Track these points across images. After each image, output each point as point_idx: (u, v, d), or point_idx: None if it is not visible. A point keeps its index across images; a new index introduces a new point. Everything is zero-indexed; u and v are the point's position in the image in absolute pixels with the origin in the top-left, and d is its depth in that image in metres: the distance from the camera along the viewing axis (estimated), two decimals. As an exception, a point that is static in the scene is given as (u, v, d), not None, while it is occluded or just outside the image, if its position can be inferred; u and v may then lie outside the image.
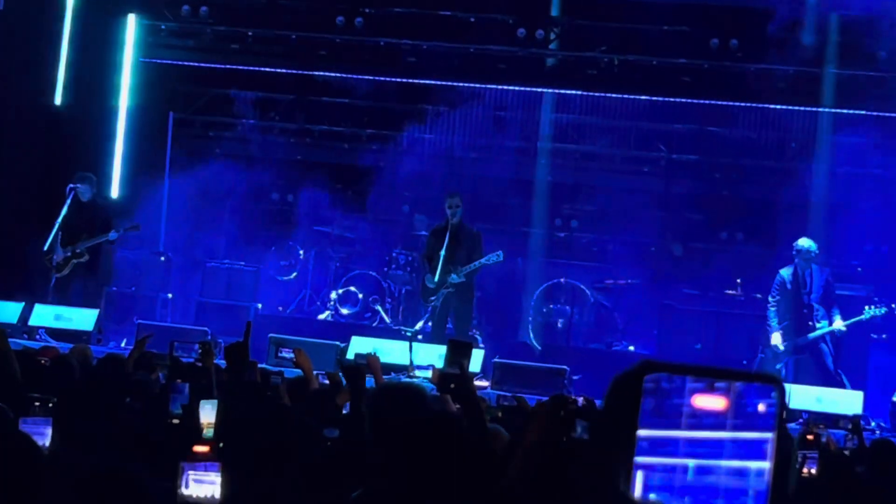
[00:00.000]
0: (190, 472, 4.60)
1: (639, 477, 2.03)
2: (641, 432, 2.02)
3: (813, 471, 7.01)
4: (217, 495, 4.53)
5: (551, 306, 18.01)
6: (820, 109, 17.43)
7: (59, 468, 4.44)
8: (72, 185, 15.77)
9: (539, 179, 19.09)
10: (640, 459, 2.03)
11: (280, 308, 18.80)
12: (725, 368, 2.05)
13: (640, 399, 2.02)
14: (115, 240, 15.92)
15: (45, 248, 15.66)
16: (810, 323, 15.08)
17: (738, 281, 18.01)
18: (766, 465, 2.03)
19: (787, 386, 13.05)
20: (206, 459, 4.57)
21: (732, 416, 2.02)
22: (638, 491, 2.04)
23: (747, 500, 2.02)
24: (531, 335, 17.77)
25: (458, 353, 6.40)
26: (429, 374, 12.29)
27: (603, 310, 18.08)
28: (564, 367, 14.44)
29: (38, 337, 14.81)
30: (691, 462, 2.03)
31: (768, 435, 2.03)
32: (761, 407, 2.02)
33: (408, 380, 12.69)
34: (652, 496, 2.04)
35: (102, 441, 5.43)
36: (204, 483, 4.59)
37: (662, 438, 2.03)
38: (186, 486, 4.56)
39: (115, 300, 17.12)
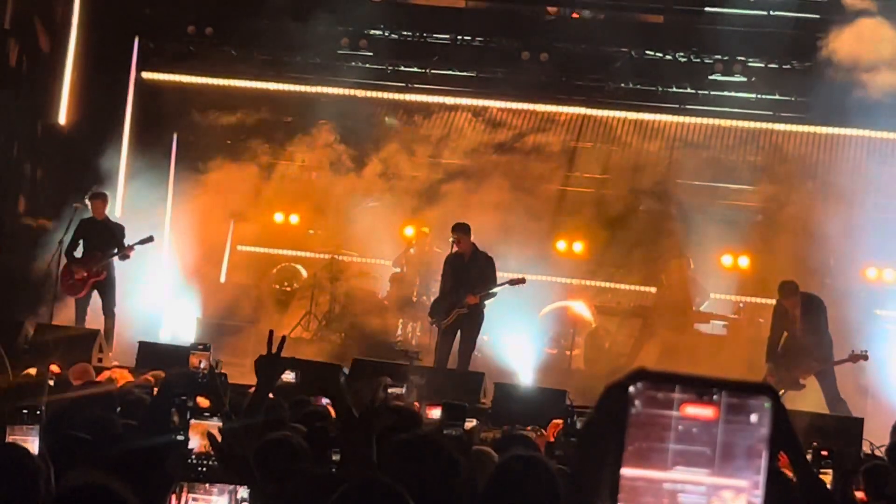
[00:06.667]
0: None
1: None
2: (629, 445, 1.93)
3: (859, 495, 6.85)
4: None
5: (556, 329, 17.98)
6: None
7: (44, 477, 4.44)
8: (76, 204, 15.65)
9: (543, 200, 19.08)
10: (626, 472, 1.93)
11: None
12: (718, 378, 1.94)
13: (628, 410, 1.93)
14: (129, 254, 15.64)
15: (47, 265, 15.55)
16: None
17: (741, 305, 17.98)
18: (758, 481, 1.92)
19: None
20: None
21: (723, 430, 1.92)
22: None
23: None
24: (533, 359, 17.68)
25: (454, 416, 6.26)
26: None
27: (605, 333, 18.02)
28: (564, 390, 14.35)
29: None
30: (679, 477, 1.92)
31: (761, 451, 1.92)
32: (753, 418, 1.92)
33: None
34: None
35: (91, 454, 5.41)
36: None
37: (650, 452, 1.93)
38: None
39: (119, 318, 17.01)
